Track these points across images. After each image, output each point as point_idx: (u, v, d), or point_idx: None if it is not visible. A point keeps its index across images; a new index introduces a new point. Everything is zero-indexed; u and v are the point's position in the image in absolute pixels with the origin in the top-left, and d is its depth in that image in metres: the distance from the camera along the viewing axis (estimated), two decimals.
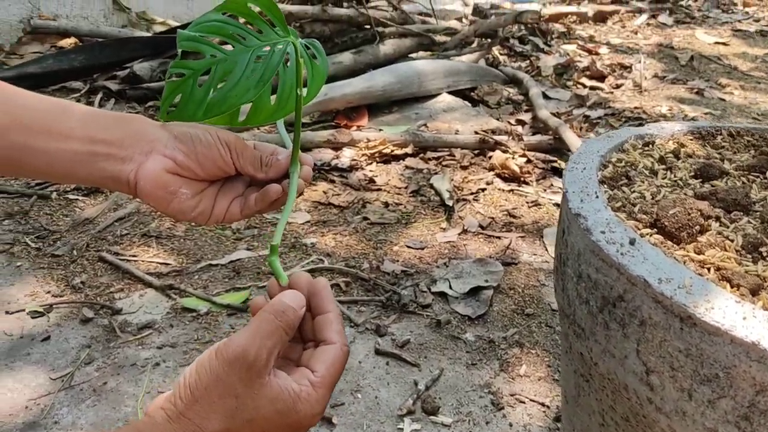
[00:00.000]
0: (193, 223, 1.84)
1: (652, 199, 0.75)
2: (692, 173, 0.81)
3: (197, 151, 0.66)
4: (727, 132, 0.95)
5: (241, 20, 0.69)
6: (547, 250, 1.78)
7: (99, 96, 2.58)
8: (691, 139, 0.91)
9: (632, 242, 0.64)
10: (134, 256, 1.69)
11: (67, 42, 3.10)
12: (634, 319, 0.63)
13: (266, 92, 0.67)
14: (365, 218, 1.92)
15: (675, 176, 0.80)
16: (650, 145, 0.89)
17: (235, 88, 0.65)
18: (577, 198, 0.73)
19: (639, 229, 0.69)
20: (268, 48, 0.67)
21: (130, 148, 0.64)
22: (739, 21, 4.56)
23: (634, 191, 0.77)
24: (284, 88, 0.67)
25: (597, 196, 0.72)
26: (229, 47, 0.68)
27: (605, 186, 0.78)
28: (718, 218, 0.72)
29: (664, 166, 0.83)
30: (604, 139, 0.88)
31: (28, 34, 3.15)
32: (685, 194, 0.76)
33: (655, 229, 0.70)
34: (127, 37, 2.95)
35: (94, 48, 2.79)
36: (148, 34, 3.14)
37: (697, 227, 0.70)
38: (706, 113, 2.85)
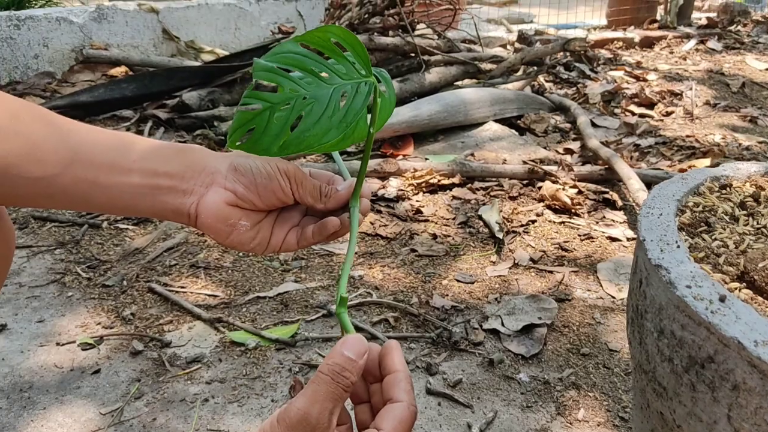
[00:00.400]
0: (245, 253, 1.83)
1: (737, 248, 0.71)
2: None
3: (257, 183, 0.66)
4: None
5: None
6: (601, 285, 1.73)
7: (148, 125, 2.62)
8: None
9: (722, 299, 0.60)
10: (183, 287, 1.68)
11: (118, 71, 3.17)
12: (725, 382, 0.59)
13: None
14: (413, 250, 1.89)
15: (758, 223, 0.76)
16: (728, 188, 0.85)
17: (315, 128, 0.63)
18: (657, 247, 0.69)
19: (726, 283, 0.65)
20: (349, 87, 0.65)
21: (191, 181, 0.64)
22: None
23: (715, 239, 0.73)
24: (354, 121, 0.65)
25: (678, 246, 0.68)
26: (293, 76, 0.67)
27: (684, 233, 0.74)
28: None
29: (745, 212, 0.78)
30: (678, 182, 0.84)
31: (79, 63, 3.22)
32: None
33: (743, 283, 0.65)
34: (177, 67, 3.00)
35: (145, 77, 2.84)
36: (197, 63, 3.18)
37: None
38: (760, 142, 2.77)
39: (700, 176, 0.87)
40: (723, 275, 0.67)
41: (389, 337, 1.51)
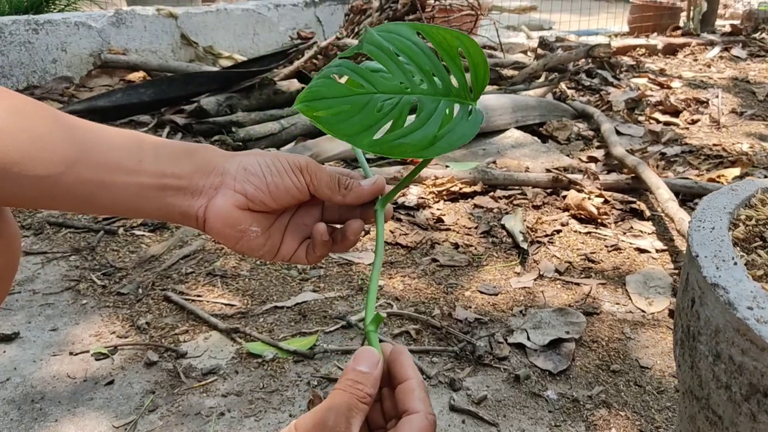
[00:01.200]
0: (263, 261, 1.79)
1: None
2: None
3: (268, 182, 0.62)
4: None
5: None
6: (630, 299, 1.67)
7: (166, 130, 2.59)
8: None
9: None
10: (199, 296, 1.65)
11: (136, 76, 3.15)
12: None
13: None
14: (434, 260, 1.84)
15: None
16: None
17: (415, 137, 0.57)
18: (712, 264, 0.64)
19: None
20: (459, 108, 0.59)
21: (200, 182, 0.61)
22: None
23: None
24: (456, 145, 0.59)
25: (735, 263, 0.63)
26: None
27: (738, 249, 0.69)
28: None
29: None
30: (728, 193, 0.79)
31: (97, 68, 3.21)
32: None
33: None
34: (195, 72, 2.98)
35: (163, 82, 2.82)
36: (215, 69, 3.16)
37: None
38: None
39: (750, 187, 0.81)
40: None
41: (411, 351, 1.46)
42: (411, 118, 0.59)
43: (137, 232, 1.93)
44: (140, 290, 1.66)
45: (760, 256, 0.68)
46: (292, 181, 0.63)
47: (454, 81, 0.61)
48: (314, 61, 2.91)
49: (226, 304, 1.62)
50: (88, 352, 1.43)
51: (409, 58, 0.59)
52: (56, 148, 0.56)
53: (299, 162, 0.64)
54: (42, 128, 0.56)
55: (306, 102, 0.58)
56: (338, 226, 0.69)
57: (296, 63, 2.88)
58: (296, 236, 0.68)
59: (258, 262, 1.80)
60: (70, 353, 1.43)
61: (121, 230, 1.92)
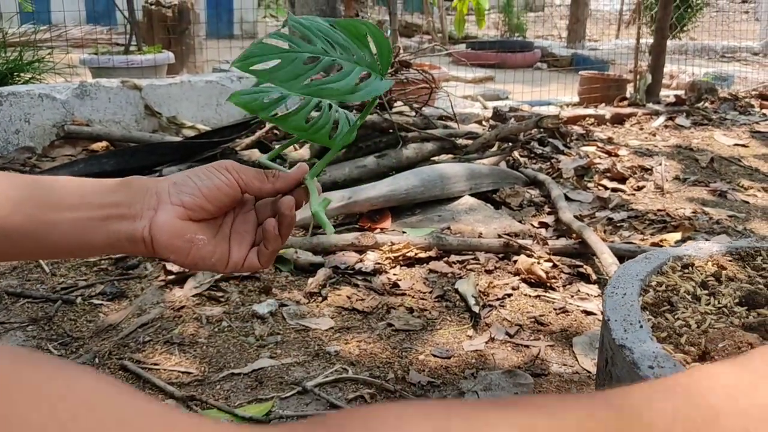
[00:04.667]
0: (219, 326, 1.82)
1: (698, 327, 0.73)
2: (737, 300, 0.78)
3: (200, 186, 0.68)
4: (767, 252, 0.93)
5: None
6: (577, 360, 1.73)
7: None
8: (730, 261, 0.90)
9: None
10: (156, 364, 1.66)
11: (99, 146, 3.20)
12: None
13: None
14: (390, 324, 1.89)
15: (719, 302, 0.78)
16: (690, 267, 0.87)
17: (337, 84, 0.70)
18: (620, 327, 0.71)
19: (688, 363, 0.67)
20: (371, 75, 0.71)
21: (138, 205, 0.67)
22: (757, 123, 4.61)
23: (678, 319, 0.75)
24: (368, 97, 0.72)
25: (641, 326, 0.70)
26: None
27: (647, 312, 0.76)
28: None
29: (706, 291, 0.81)
30: (642, 261, 0.87)
31: (60, 138, 3.25)
32: (732, 323, 0.73)
33: (705, 363, 0.67)
34: (158, 142, 3.04)
35: (126, 152, 2.87)
36: (178, 139, 3.23)
37: None
38: (730, 216, 2.84)
39: (663, 256, 0.90)
40: (685, 355, 0.68)
41: None
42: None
43: (95, 301, 1.94)
44: (97, 360, 1.67)
45: (666, 319, 0.76)
46: (221, 179, 0.70)
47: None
48: (275, 131, 3.01)
49: (183, 372, 1.64)
50: None
51: (327, 35, 0.72)
52: (4, 194, 0.63)
53: (223, 163, 0.72)
54: None
55: (241, 61, 0.69)
56: None
57: (258, 133, 2.97)
58: (243, 243, 0.73)
59: (216, 329, 1.83)
60: None
61: (79, 299, 1.94)
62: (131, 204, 0.67)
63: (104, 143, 3.22)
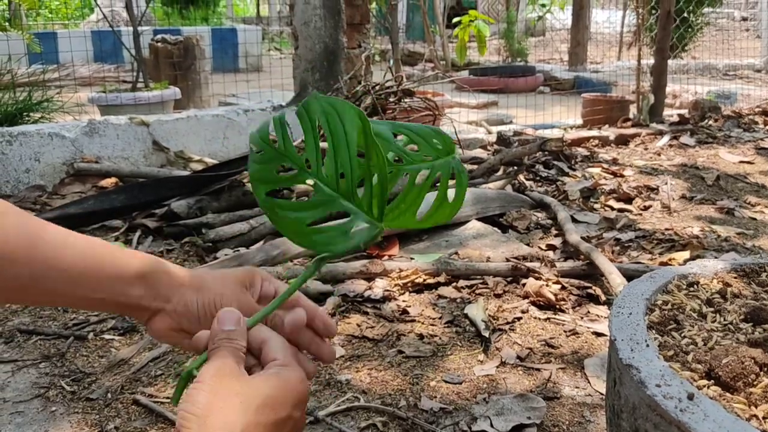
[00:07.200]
0: None
1: (705, 345, 0.74)
2: (742, 316, 0.79)
3: (202, 323, 0.72)
4: None
5: None
6: (589, 382, 1.73)
7: (137, 234, 2.66)
8: (735, 278, 0.90)
9: (691, 397, 0.62)
10: (168, 398, 1.67)
11: (108, 182, 3.24)
12: None
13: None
14: (400, 351, 1.89)
15: (725, 320, 0.79)
16: (695, 285, 0.88)
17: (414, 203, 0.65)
18: (627, 347, 0.71)
19: (695, 380, 0.67)
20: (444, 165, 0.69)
21: (145, 303, 0.72)
22: (762, 139, 4.62)
23: (684, 337, 0.75)
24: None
25: (647, 345, 0.71)
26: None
27: (654, 331, 0.77)
28: None
29: (712, 309, 0.81)
30: (647, 281, 0.88)
31: (70, 176, 3.30)
32: (737, 340, 0.74)
33: (712, 380, 0.67)
34: (166, 177, 3.07)
35: (134, 188, 2.90)
36: (186, 173, 3.27)
37: (753, 376, 0.67)
38: (738, 233, 2.83)
39: (668, 274, 0.90)
40: (692, 373, 0.69)
41: None
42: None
43: (107, 336, 1.95)
44: (109, 395, 1.67)
45: (672, 337, 0.76)
46: (231, 301, 0.74)
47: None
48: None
49: None
50: None
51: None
52: (23, 261, 0.65)
53: (251, 276, 0.77)
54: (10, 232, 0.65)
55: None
56: None
57: None
58: None
59: None
60: None
61: (90, 335, 1.95)
62: (141, 300, 0.71)
63: (113, 179, 3.26)
